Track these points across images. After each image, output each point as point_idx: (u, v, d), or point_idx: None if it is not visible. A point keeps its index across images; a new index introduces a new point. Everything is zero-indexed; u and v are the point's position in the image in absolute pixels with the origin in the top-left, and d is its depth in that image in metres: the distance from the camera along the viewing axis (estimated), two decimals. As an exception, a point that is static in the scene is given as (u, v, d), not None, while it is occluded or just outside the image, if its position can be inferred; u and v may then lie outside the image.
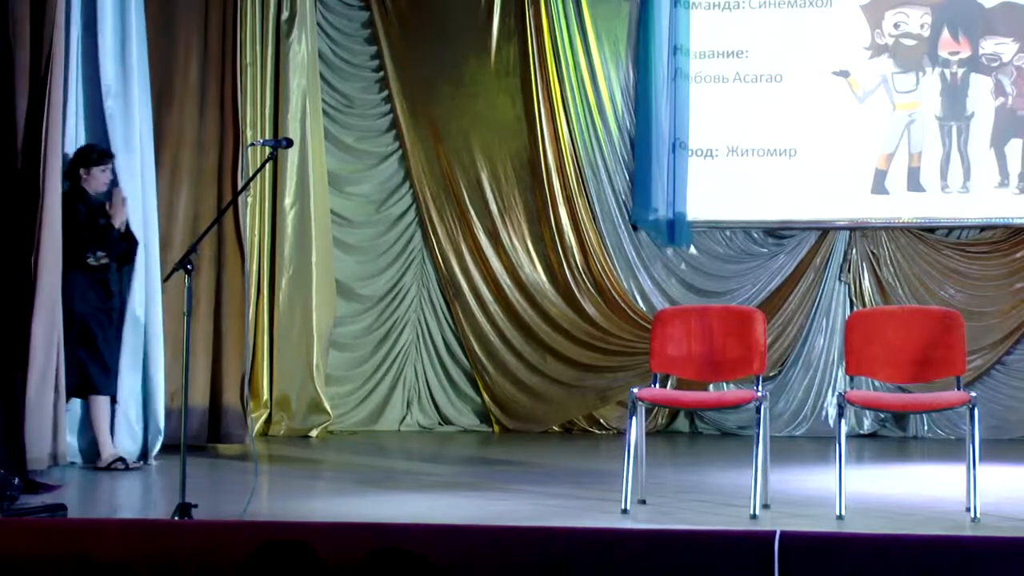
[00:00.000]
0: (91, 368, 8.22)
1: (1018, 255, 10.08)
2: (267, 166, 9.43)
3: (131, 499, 7.51)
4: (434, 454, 9.54)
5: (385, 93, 10.62)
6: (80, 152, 8.33)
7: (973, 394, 6.87)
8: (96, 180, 8.32)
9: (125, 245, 8.37)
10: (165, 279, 7.83)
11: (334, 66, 10.59)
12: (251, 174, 8.84)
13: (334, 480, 8.33)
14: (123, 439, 8.34)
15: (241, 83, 9.17)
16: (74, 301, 8.14)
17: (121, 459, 8.16)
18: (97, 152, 8.35)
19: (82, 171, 8.30)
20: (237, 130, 9.06)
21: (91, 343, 8.22)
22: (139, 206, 8.44)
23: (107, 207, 8.29)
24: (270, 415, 9.96)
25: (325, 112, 10.42)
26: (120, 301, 8.37)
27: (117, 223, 8.29)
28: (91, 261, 8.24)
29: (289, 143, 7.43)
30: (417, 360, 10.64)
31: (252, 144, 9.17)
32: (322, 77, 10.38)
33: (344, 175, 10.60)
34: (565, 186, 10.44)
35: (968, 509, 6.60)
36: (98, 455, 8.21)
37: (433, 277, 10.64)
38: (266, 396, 9.94)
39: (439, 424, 10.57)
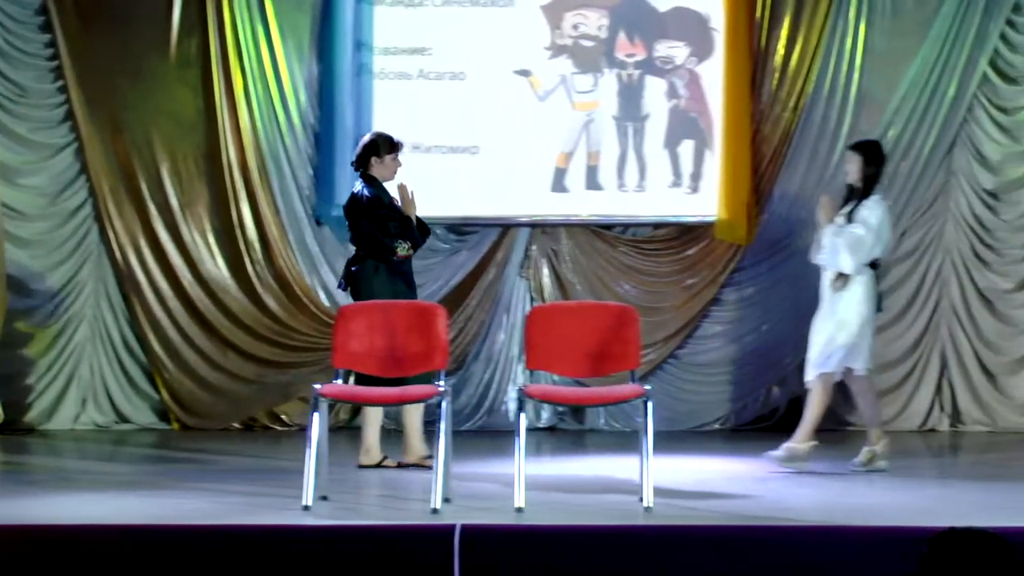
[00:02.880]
0: None
1: (690, 252, 10.42)
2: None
3: None
4: (111, 453, 9.33)
5: (60, 83, 10.29)
6: (379, 139, 8.33)
7: (647, 387, 7.07)
8: (388, 169, 8.31)
9: (420, 236, 8.36)
10: None
11: (6, 54, 10.21)
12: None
13: (4, 482, 8.04)
14: None
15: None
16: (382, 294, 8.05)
17: None
18: (392, 140, 8.34)
19: (374, 159, 8.25)
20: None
21: None
22: None
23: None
24: (-64, 415, 9.56)
25: (-4, 101, 10.08)
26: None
27: (412, 213, 8.28)
28: (401, 251, 8.21)
29: None
30: (93, 357, 10.36)
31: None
32: (-7, 65, 10.04)
33: (16, 167, 10.23)
34: (247, 180, 10.31)
35: (641, 499, 6.79)
36: None
37: (111, 272, 10.37)
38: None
39: (116, 422, 10.32)
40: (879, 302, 8.43)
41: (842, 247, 8.17)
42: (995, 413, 10.26)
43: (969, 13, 10.20)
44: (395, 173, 8.45)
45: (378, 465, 8.29)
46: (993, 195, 10.34)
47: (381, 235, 8.22)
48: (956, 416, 10.36)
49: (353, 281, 8.33)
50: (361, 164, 8.38)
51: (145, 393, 10.38)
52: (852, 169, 8.37)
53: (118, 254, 10.29)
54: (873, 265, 8.31)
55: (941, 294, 10.39)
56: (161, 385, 10.29)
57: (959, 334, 10.35)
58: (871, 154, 8.39)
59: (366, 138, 8.54)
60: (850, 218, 8.25)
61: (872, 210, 8.23)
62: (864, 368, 8.31)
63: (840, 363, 8.23)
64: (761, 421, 10.38)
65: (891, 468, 8.20)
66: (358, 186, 8.39)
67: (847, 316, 8.22)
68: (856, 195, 8.34)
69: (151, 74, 10.31)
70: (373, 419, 8.43)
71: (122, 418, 10.35)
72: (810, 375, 8.37)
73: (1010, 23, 10.28)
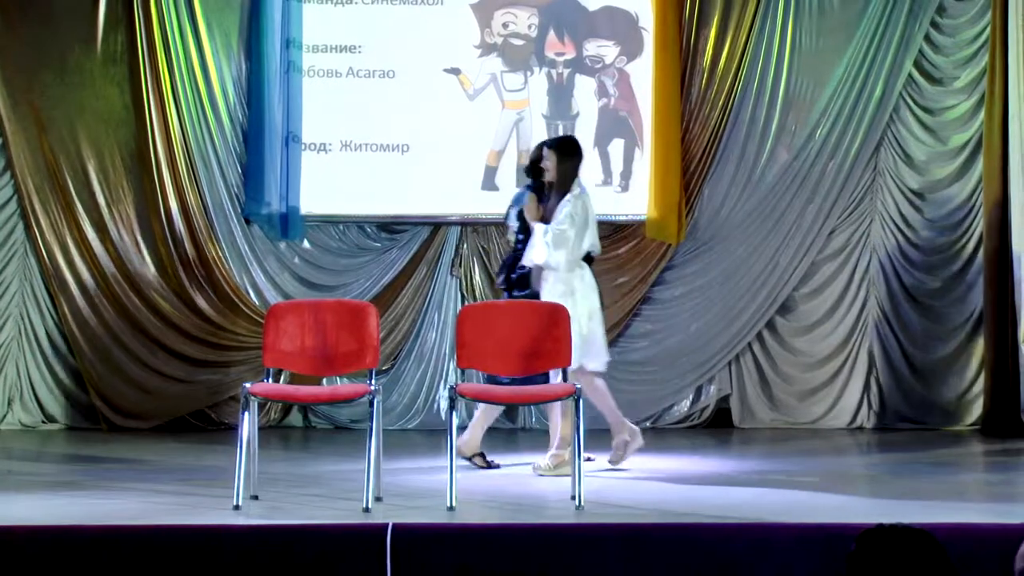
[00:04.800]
0: None
1: (620, 251, 10.45)
2: None
3: None
4: (37, 453, 9.24)
5: (-16, 79, 10.19)
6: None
7: (578, 386, 7.09)
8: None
9: None
10: None
11: (-73, 49, 10.10)
12: None
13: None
14: None
15: None
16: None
17: None
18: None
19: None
20: None
21: None
22: None
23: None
24: None
25: (-82, 98, 9.96)
26: None
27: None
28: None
29: None
30: (19, 356, 10.24)
31: None
32: (-86, 61, 9.92)
33: (-61, 164, 10.13)
34: (176, 178, 10.24)
35: (573, 497, 6.81)
36: None
37: (37, 271, 10.26)
38: None
39: (43, 422, 10.21)
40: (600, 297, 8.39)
41: (548, 245, 8.14)
42: (923, 411, 10.37)
43: (894, 14, 10.31)
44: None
45: (469, 459, 8.34)
46: (919, 195, 10.44)
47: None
48: (884, 414, 10.45)
49: (523, 283, 8.43)
50: (536, 170, 8.48)
51: (72, 393, 10.28)
52: (548, 166, 8.31)
53: (44, 252, 10.18)
54: (588, 260, 8.29)
55: (869, 293, 10.49)
56: (89, 385, 10.20)
57: (887, 333, 10.44)
58: (566, 150, 8.34)
59: (541, 144, 8.63)
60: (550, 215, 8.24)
61: (572, 205, 8.18)
62: (602, 365, 8.25)
63: (576, 361, 8.00)
64: (691, 419, 10.44)
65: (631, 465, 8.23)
66: (527, 191, 8.54)
67: (580, 316, 8.09)
68: (554, 191, 8.32)
69: (77, 70, 10.21)
70: (488, 414, 8.50)
71: (49, 418, 10.24)
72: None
73: (935, 25, 10.39)
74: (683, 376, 10.44)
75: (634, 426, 8.38)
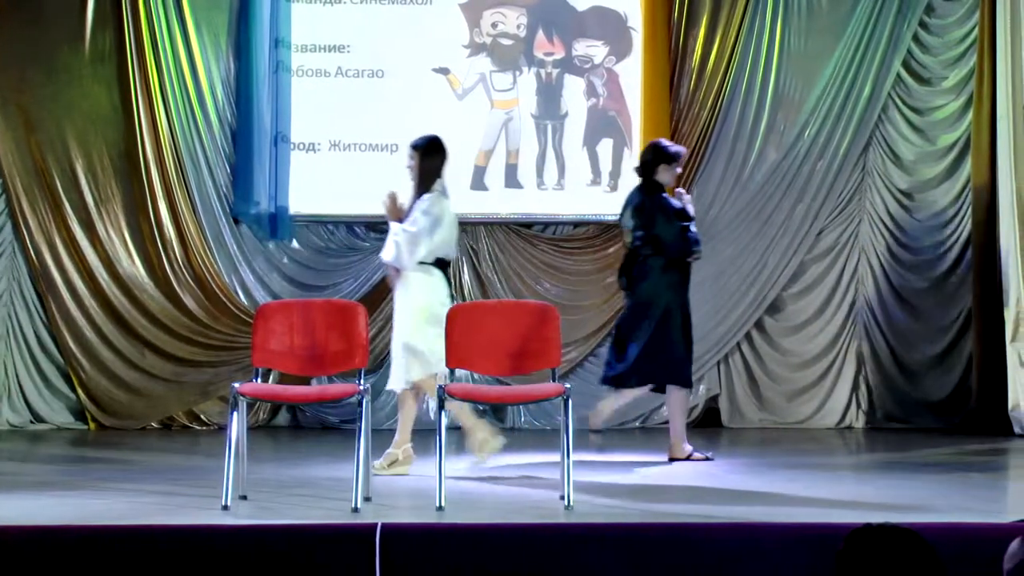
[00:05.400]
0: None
1: (609, 251, 10.46)
2: None
3: None
4: (25, 453, 9.22)
5: (-30, 78, 10.17)
6: (667, 148, 8.68)
7: (567, 386, 7.08)
8: (671, 175, 8.66)
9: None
10: None
11: (-86, 49, 10.08)
12: None
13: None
14: None
15: None
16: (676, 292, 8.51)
17: None
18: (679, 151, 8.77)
19: (663, 166, 8.56)
20: None
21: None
22: None
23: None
24: None
25: (-97, 98, 9.94)
26: None
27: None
28: (698, 255, 8.69)
29: None
30: (7, 356, 10.23)
31: None
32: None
33: (-74, 164, 10.10)
34: (165, 178, 10.23)
35: (562, 497, 6.81)
36: None
37: (25, 271, 10.25)
38: None
39: (31, 422, 10.20)
40: (452, 300, 8.24)
41: (397, 243, 8.07)
42: (911, 411, 10.38)
43: (882, 15, 10.33)
44: (674, 180, 8.81)
45: (687, 458, 8.59)
46: (907, 195, 10.46)
47: (682, 238, 8.55)
48: (873, 413, 10.47)
49: (643, 279, 8.61)
50: (647, 171, 8.63)
51: (61, 393, 10.27)
52: (412, 165, 8.27)
53: (32, 252, 10.17)
54: (441, 264, 8.18)
55: (857, 292, 10.51)
56: (77, 384, 10.19)
57: (875, 332, 10.46)
58: (428, 150, 8.28)
59: (653, 145, 8.79)
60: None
61: (427, 203, 8.10)
62: (426, 374, 7.98)
63: (400, 377, 8.03)
64: (680, 419, 10.44)
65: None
66: (639, 191, 8.70)
67: (405, 317, 8.07)
68: (415, 190, 8.26)
69: (65, 69, 10.20)
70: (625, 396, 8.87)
71: (37, 418, 10.23)
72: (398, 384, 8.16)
73: (923, 25, 10.42)
74: (672, 376, 10.43)
75: (411, 450, 8.25)
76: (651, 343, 8.51)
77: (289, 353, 7.35)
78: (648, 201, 8.58)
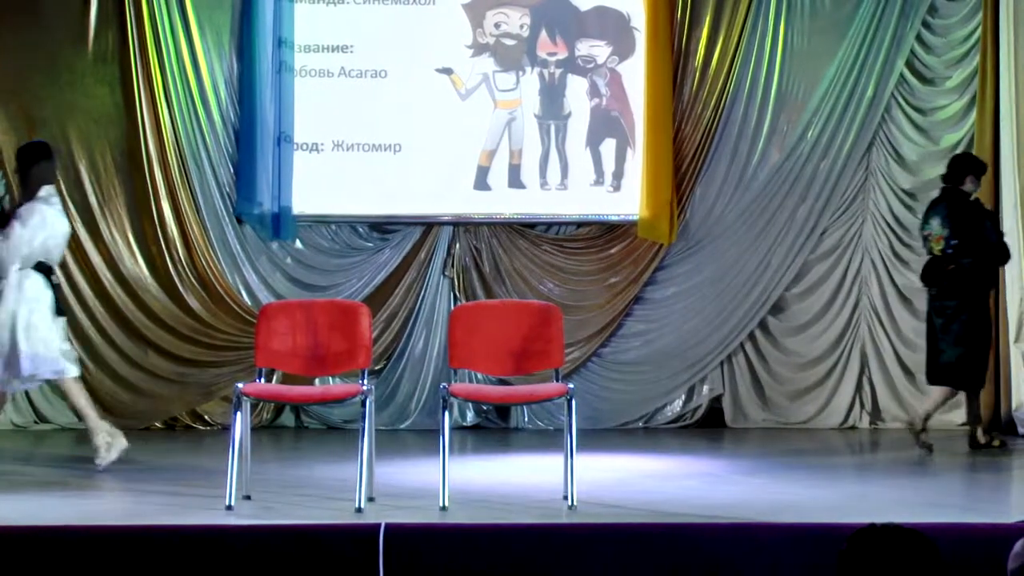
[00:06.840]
0: None
1: (612, 251, 10.46)
2: None
3: None
4: (28, 453, 9.21)
5: (-27, 79, 10.17)
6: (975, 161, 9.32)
7: (571, 386, 7.09)
8: (975, 187, 9.19)
9: None
10: None
11: (-86, 50, 10.07)
12: None
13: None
14: None
15: None
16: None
17: None
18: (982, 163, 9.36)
19: (970, 177, 9.01)
20: None
21: None
22: None
23: None
24: None
25: (-95, 99, 9.94)
26: None
27: None
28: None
29: None
30: (11, 356, 10.22)
31: None
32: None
33: (-70, 164, 10.10)
34: (167, 178, 10.23)
35: (565, 497, 6.81)
36: None
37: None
38: None
39: (35, 422, 10.20)
40: (57, 307, 8.32)
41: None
42: (914, 411, 10.37)
43: (885, 15, 10.31)
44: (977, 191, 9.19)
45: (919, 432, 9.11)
46: (911, 195, 10.45)
47: (1002, 244, 8.99)
48: (876, 413, 10.47)
49: (968, 281, 9.01)
50: (954, 179, 9.06)
51: (64, 393, 10.25)
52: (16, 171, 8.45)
53: (35, 252, 10.16)
54: (44, 269, 8.23)
55: (861, 293, 10.50)
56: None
57: (879, 332, 10.45)
58: (24, 156, 8.39)
59: (966, 154, 9.37)
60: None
61: (26, 208, 8.18)
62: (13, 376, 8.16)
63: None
64: (683, 419, 10.45)
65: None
66: (948, 199, 9.06)
67: (4, 319, 8.10)
68: (23, 194, 8.36)
69: (67, 69, 10.19)
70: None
71: (41, 418, 10.23)
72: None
73: (926, 25, 10.40)
74: (675, 376, 10.44)
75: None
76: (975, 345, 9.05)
77: (292, 353, 7.36)
78: (966, 209, 8.98)
